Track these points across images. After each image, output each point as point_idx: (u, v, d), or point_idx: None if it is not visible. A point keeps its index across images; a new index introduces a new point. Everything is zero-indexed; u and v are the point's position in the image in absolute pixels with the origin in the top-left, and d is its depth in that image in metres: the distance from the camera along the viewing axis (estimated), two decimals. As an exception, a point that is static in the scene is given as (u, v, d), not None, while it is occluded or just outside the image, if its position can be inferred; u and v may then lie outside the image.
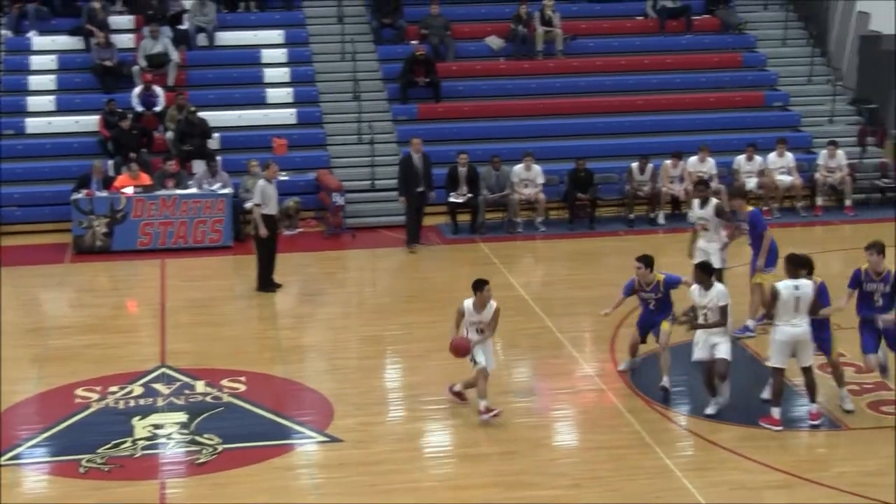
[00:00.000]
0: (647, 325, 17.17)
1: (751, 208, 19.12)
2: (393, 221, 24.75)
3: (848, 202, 26.11)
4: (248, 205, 22.41)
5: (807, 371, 15.68)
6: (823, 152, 26.48)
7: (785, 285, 15.37)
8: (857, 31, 30.52)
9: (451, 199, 24.84)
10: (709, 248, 19.13)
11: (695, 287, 15.89)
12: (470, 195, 24.82)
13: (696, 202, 19.43)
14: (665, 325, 16.82)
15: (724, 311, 15.64)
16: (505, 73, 29.11)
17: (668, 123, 28.24)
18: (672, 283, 16.93)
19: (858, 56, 30.45)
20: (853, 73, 30.46)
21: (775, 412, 15.54)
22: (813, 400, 15.73)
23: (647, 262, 16.83)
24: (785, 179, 25.96)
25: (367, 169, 26.38)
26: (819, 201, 26.26)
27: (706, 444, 15.15)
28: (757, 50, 30.34)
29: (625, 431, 15.46)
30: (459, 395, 16.30)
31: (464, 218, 25.14)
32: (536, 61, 29.24)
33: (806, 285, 15.33)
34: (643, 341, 17.26)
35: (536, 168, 25.28)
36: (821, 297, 15.49)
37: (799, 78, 29.93)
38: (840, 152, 26.45)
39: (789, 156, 26.22)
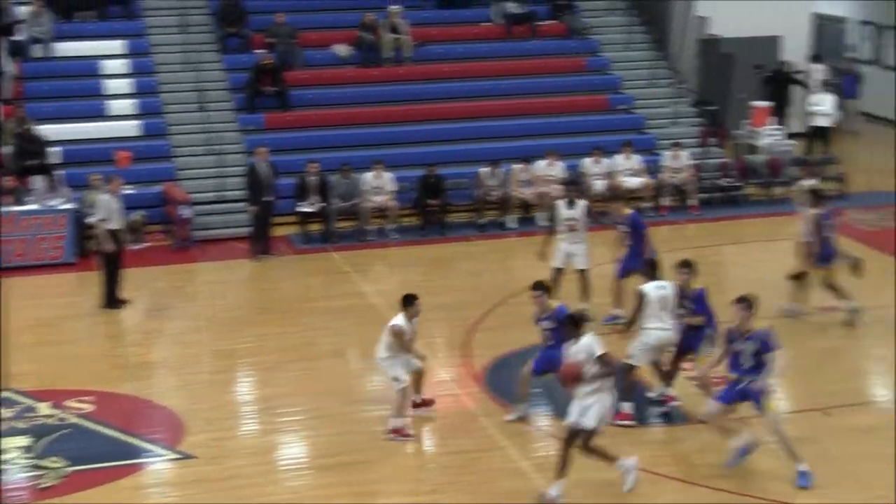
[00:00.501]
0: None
1: (629, 210, 19.25)
2: (242, 233, 24.46)
3: (692, 202, 26.50)
4: (91, 220, 21.90)
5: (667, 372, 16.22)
6: (668, 153, 26.88)
7: (651, 287, 15.65)
8: (696, 35, 31.00)
9: (302, 209, 24.66)
10: (574, 249, 19.33)
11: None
12: (321, 204, 24.67)
13: (562, 203, 19.51)
14: None
15: (603, 359, 13.48)
16: (353, 80, 29.00)
17: (517, 128, 28.37)
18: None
19: (699, 59, 30.95)
20: (694, 76, 30.96)
21: (626, 407, 15.69)
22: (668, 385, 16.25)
23: (543, 287, 15.86)
24: (632, 181, 26.25)
25: (214, 180, 26.05)
26: (665, 201, 26.62)
27: (560, 444, 15.20)
28: (601, 54, 30.65)
29: (481, 436, 15.50)
30: (424, 403, 16.21)
31: (315, 227, 24.98)
32: (384, 69, 29.18)
33: (670, 285, 15.66)
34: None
35: (387, 175, 25.23)
36: (698, 303, 15.66)
37: (642, 81, 30.30)
38: (684, 153, 26.87)
39: (635, 158, 26.53)
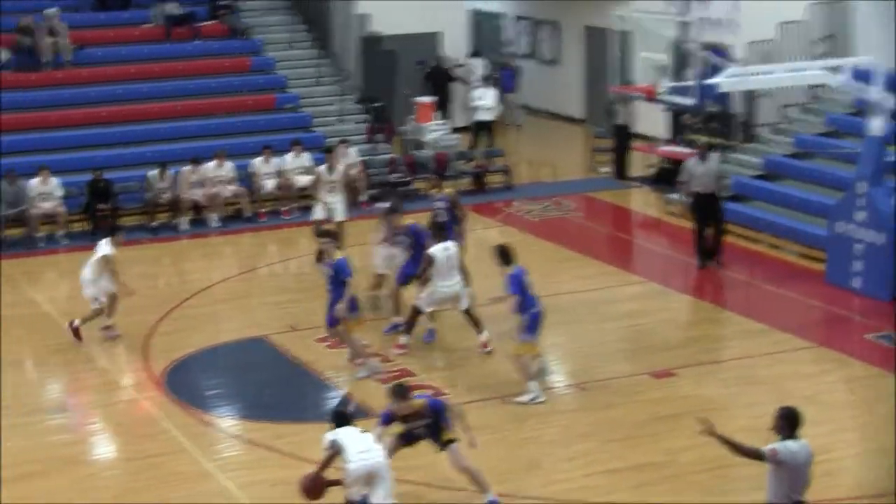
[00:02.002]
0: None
1: (409, 222, 19.31)
2: None
3: (363, 197, 26.87)
4: None
5: (467, 311, 18.00)
6: (339, 149, 27.10)
7: (438, 249, 17.65)
8: (358, 32, 31.42)
9: (-37, 218, 23.94)
10: (334, 200, 22.51)
11: None
12: (-15, 212, 23.99)
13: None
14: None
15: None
16: (13, 85, 28.19)
17: (184, 129, 28.14)
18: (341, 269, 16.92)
19: (362, 56, 31.38)
20: (358, 73, 31.33)
21: (403, 339, 17.97)
22: (480, 332, 17.89)
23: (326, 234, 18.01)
24: (302, 179, 26.41)
25: None
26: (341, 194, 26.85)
27: (244, 443, 15.35)
28: (265, 54, 30.69)
29: (163, 439, 15.44)
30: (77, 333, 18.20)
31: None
32: (44, 73, 28.49)
33: (453, 246, 17.88)
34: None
35: (54, 181, 24.68)
36: (512, 284, 16.14)
37: (307, 80, 30.50)
38: (352, 150, 27.19)
39: (306, 156, 26.70)
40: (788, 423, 10.92)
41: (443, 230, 18.62)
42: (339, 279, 16.89)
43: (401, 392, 13.08)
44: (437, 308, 18.32)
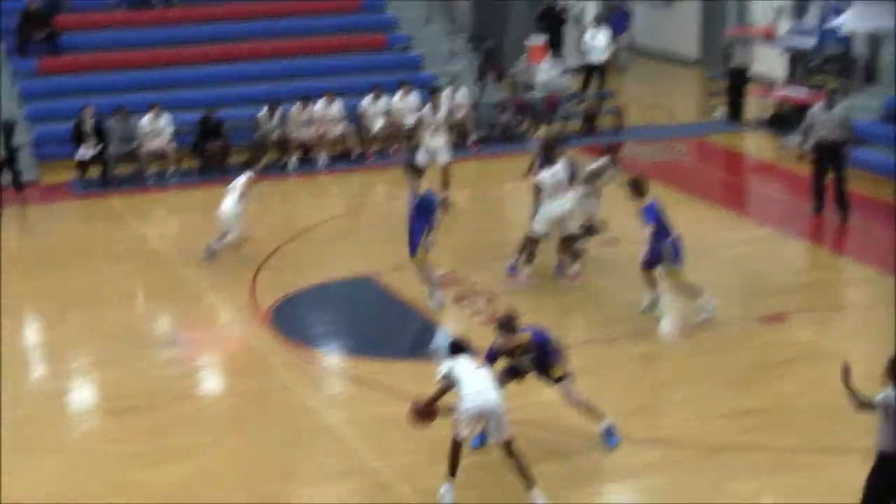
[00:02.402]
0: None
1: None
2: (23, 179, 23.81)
3: (472, 138, 26.71)
4: None
5: (566, 240, 18.11)
6: (446, 91, 26.96)
7: (547, 175, 17.81)
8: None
9: (79, 155, 24.13)
10: (437, 142, 22.20)
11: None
12: (98, 149, 24.17)
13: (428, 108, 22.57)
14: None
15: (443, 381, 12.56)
16: (127, 23, 28.42)
17: (294, 69, 28.17)
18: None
19: (473, -4, 31.20)
20: (470, 13, 31.10)
21: (525, 271, 18.17)
22: (574, 261, 18.17)
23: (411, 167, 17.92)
24: (410, 119, 26.29)
25: (-15, 127, 25.29)
26: (446, 136, 26.70)
27: (349, 380, 15.35)
28: (377, -7, 30.64)
29: (269, 375, 15.47)
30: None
31: (94, 172, 24.46)
32: (156, 11, 28.68)
33: (560, 169, 17.96)
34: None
35: (165, 118, 24.83)
36: (647, 215, 16.26)
37: (418, 20, 30.34)
38: (461, 90, 27.00)
39: (414, 96, 26.57)
40: None
41: (550, 154, 18.44)
42: (423, 211, 17.04)
43: (508, 324, 12.78)
44: (551, 229, 18.13)
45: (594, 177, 18.58)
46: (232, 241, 19.37)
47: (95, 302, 18.22)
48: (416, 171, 17.54)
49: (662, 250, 16.41)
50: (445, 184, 22.03)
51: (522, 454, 12.06)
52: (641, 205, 16.37)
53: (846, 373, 10.55)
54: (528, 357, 12.86)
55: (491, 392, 12.09)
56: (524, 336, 12.85)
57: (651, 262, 16.70)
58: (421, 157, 21.68)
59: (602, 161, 18.85)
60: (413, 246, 17.18)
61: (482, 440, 12.89)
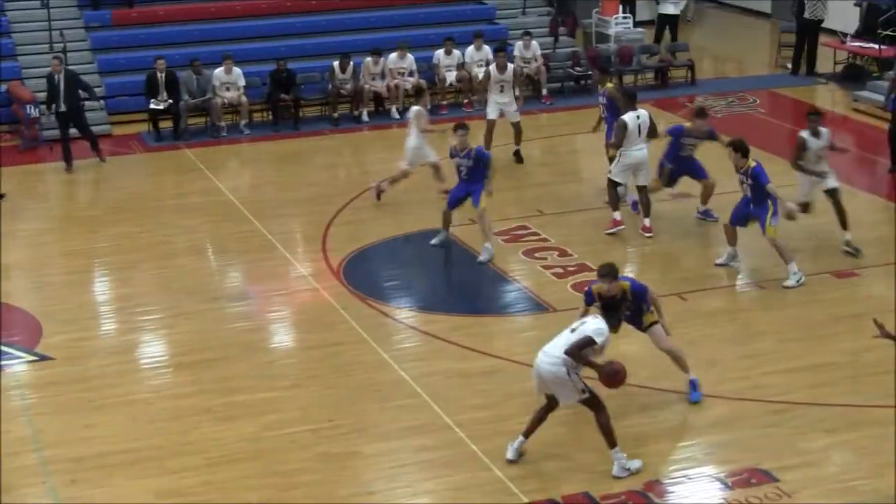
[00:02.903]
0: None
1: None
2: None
3: (544, 91, 26.64)
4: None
5: (642, 189, 18.46)
6: (518, 44, 26.86)
7: (629, 117, 18.18)
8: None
9: (152, 106, 24.31)
10: (506, 100, 22.16)
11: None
12: (170, 101, 24.32)
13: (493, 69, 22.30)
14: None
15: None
16: (199, -25, 28.57)
17: (367, 20, 28.18)
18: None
19: (547, -52, 30.92)
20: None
21: (616, 215, 18.43)
22: (647, 215, 18.39)
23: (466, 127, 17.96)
24: (483, 71, 26.23)
25: (60, 79, 25.49)
26: (516, 92, 26.63)
27: (421, 335, 15.44)
28: (449, -56, 30.52)
29: (341, 329, 15.59)
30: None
31: (166, 124, 24.63)
32: (229, -37, 28.80)
33: (645, 114, 18.43)
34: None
35: (237, 70, 24.92)
36: (758, 177, 16.34)
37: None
38: (534, 43, 26.87)
39: (486, 48, 26.50)
40: None
41: (633, 98, 18.98)
42: (478, 167, 17.61)
43: (609, 272, 12.86)
44: (630, 173, 18.48)
45: (691, 137, 18.54)
46: (397, 174, 20.08)
47: (167, 255, 18.41)
48: (465, 129, 17.80)
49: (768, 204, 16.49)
50: (518, 138, 22.05)
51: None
52: (745, 166, 16.41)
53: (886, 333, 10.60)
54: (626, 304, 12.94)
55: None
56: (624, 284, 13.01)
57: (739, 221, 16.89)
58: (491, 112, 21.74)
59: (696, 122, 18.69)
60: (476, 201, 17.58)
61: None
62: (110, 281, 18.09)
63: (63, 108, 22.77)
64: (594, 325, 12.02)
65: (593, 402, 12.11)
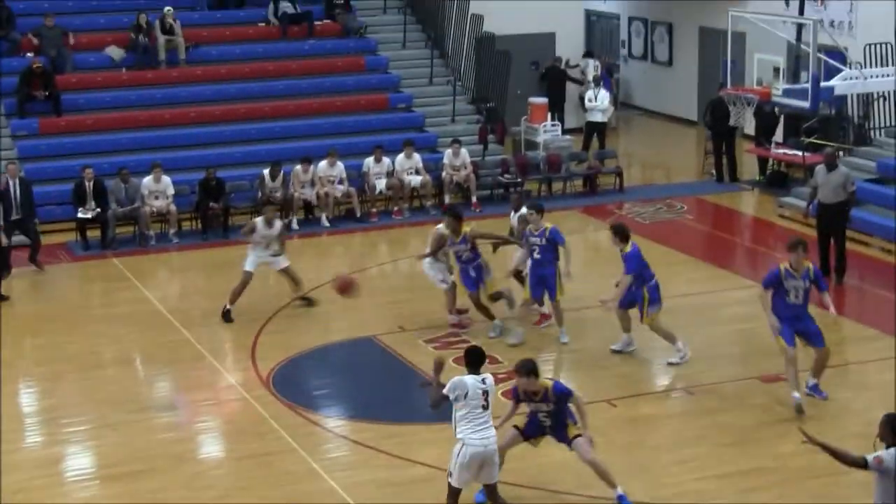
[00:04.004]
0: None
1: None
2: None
3: (474, 198, 26.78)
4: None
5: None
6: (448, 151, 27.07)
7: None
8: (472, 33, 31.30)
9: (80, 215, 24.19)
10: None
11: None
12: (98, 210, 24.21)
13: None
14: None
15: None
16: (127, 83, 28.57)
17: (296, 129, 28.31)
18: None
19: (475, 56, 31.26)
20: (471, 73, 31.24)
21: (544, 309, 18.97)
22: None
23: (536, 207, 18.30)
24: (414, 179, 26.43)
25: (-13, 188, 25.33)
26: (447, 199, 26.83)
27: (351, 444, 15.34)
28: (379, 53, 30.77)
29: (270, 438, 15.47)
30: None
31: (94, 234, 24.49)
32: (159, 71, 28.82)
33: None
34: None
35: (166, 179, 24.88)
36: (631, 261, 16.92)
37: (421, 80, 30.53)
38: (464, 151, 27.08)
39: (416, 156, 26.69)
40: (893, 430, 10.65)
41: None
42: (551, 248, 18.02)
43: (530, 369, 12.90)
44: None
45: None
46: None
47: (94, 365, 18.24)
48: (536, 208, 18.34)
49: (643, 293, 17.12)
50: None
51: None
52: (626, 250, 17.02)
53: (812, 440, 10.72)
54: (547, 406, 13.01)
55: (493, 439, 12.41)
56: (546, 382, 13.08)
57: (628, 304, 17.44)
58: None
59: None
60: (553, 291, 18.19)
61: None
62: (35, 392, 17.85)
63: (18, 215, 22.68)
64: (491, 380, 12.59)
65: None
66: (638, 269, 17.04)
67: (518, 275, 18.82)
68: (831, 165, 21.23)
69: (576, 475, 13.78)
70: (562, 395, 13.08)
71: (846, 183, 21.23)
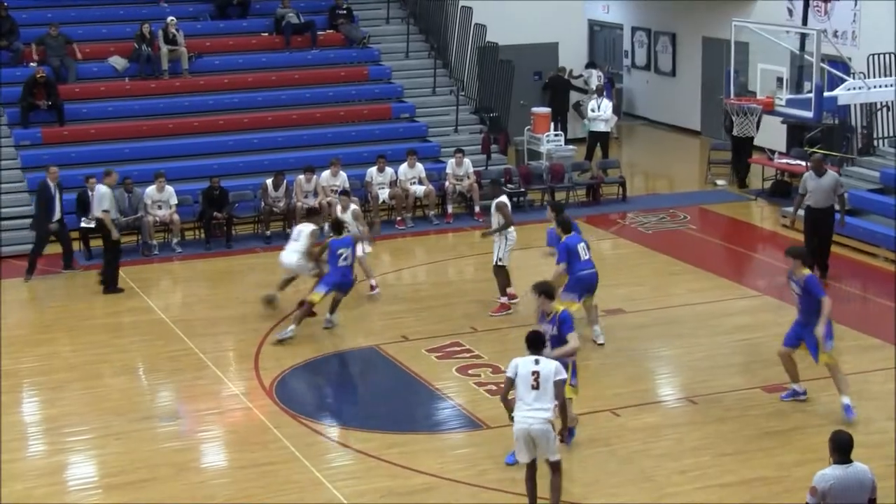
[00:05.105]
0: None
1: None
2: (20, 250, 23.87)
3: (477, 208, 26.80)
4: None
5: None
6: (451, 161, 27.12)
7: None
8: (475, 43, 31.33)
9: (83, 225, 24.19)
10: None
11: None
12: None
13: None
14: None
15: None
16: (131, 93, 28.62)
17: (299, 138, 28.36)
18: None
19: (478, 66, 31.29)
20: (474, 83, 31.27)
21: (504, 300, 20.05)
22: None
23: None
24: (417, 189, 26.47)
25: (-10, 197, 25.42)
26: (450, 209, 26.86)
27: (354, 453, 15.33)
28: (382, 63, 30.82)
29: (273, 447, 15.47)
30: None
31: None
32: (163, 81, 28.87)
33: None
34: None
35: (169, 188, 24.92)
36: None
37: (424, 90, 30.57)
38: (466, 160, 27.13)
39: (419, 166, 26.71)
40: (833, 447, 10.54)
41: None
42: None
43: (543, 290, 14.66)
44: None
45: None
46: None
47: (97, 374, 18.26)
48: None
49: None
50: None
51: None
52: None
53: None
54: (552, 331, 14.26)
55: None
56: (558, 307, 14.56)
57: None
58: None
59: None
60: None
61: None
62: (39, 401, 17.86)
63: (59, 216, 22.98)
64: (552, 365, 12.92)
65: (558, 463, 12.93)
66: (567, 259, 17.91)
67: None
68: (819, 171, 21.45)
69: (582, 485, 13.79)
70: (562, 322, 14.34)
71: (836, 187, 21.47)
